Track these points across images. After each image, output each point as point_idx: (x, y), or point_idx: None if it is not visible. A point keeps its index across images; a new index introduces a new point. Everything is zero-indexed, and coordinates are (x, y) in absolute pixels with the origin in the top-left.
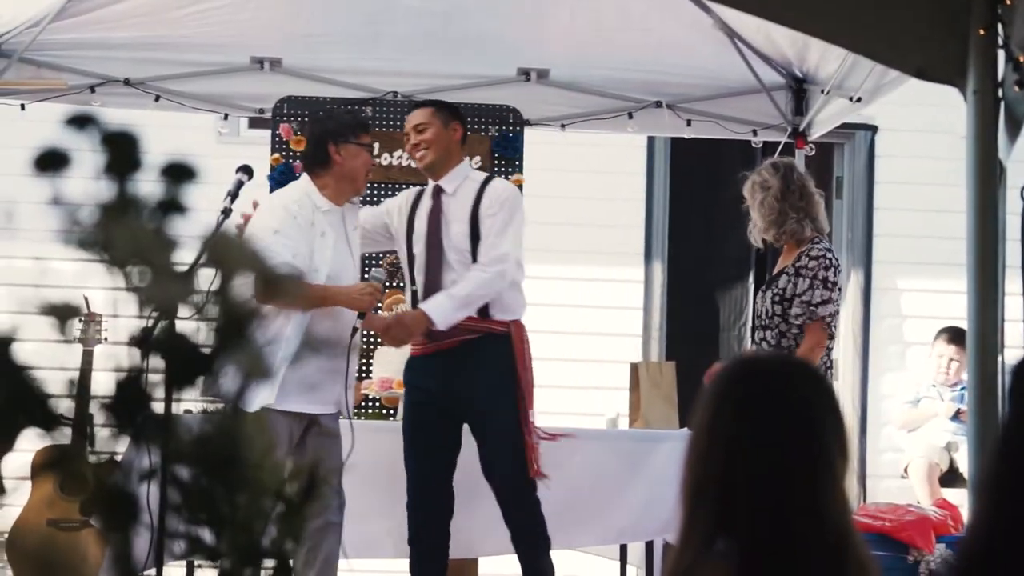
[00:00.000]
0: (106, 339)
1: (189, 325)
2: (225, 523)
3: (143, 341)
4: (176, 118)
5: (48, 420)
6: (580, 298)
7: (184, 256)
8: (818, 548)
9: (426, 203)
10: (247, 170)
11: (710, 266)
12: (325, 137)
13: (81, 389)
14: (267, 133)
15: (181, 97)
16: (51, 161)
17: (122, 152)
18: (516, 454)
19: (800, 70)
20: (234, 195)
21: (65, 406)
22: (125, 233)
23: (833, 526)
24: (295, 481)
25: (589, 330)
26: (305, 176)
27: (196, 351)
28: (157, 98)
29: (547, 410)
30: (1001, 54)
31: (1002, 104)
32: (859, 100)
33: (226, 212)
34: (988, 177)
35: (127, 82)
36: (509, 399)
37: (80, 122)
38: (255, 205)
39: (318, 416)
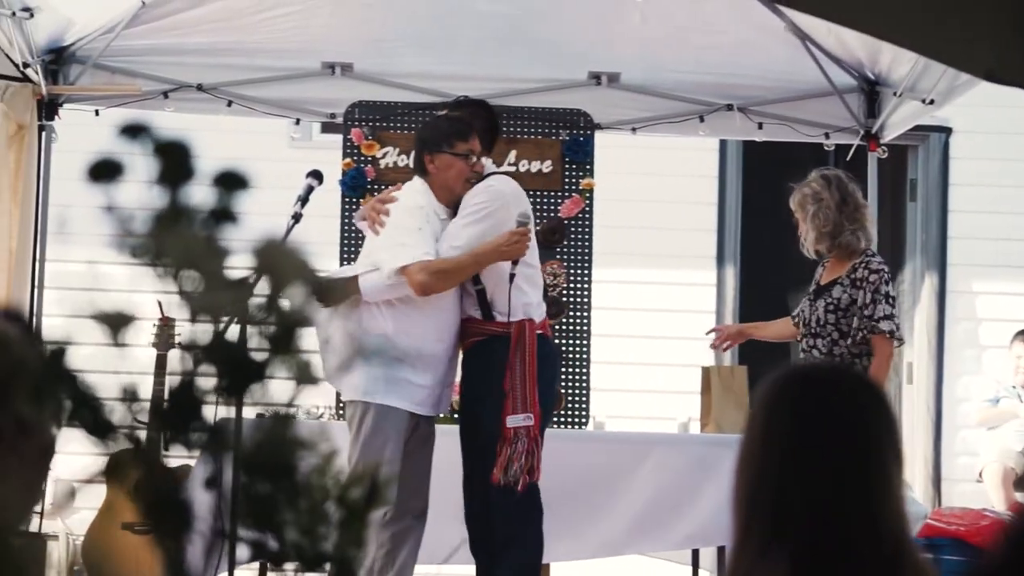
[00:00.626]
0: (180, 344)
1: (241, 333)
2: (288, 528)
3: (195, 348)
4: (249, 123)
5: (102, 428)
6: (652, 302)
7: (237, 264)
8: (874, 555)
9: None
10: (317, 175)
11: (782, 270)
12: (421, 147)
13: (155, 394)
14: (339, 138)
15: (253, 102)
16: (105, 170)
17: (175, 161)
18: (479, 455)
19: (872, 72)
20: (304, 200)
21: (121, 413)
22: (177, 242)
23: (889, 534)
24: (358, 486)
25: (661, 334)
26: (420, 180)
27: (248, 359)
28: (229, 103)
29: (618, 414)
30: None
31: None
32: (932, 102)
33: (296, 217)
34: None
35: (200, 87)
36: (485, 402)
37: (133, 131)
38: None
39: (421, 417)
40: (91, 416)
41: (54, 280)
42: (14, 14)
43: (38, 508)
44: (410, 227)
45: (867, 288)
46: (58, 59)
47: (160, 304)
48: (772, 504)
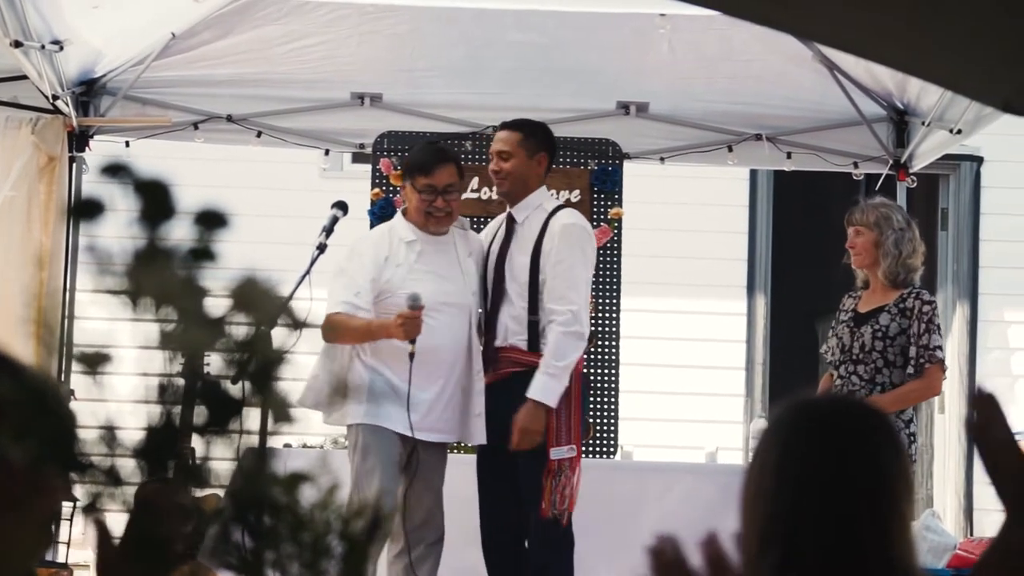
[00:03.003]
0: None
1: (218, 370)
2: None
3: (172, 387)
4: (280, 153)
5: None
6: (681, 331)
7: (215, 303)
8: None
9: (500, 232)
10: (342, 206)
11: (813, 299)
12: (403, 171)
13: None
14: (369, 168)
15: (282, 133)
16: (88, 209)
17: (155, 200)
18: (520, 486)
19: (901, 102)
20: (329, 231)
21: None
22: (155, 280)
23: (901, 567)
24: (359, 519)
25: (690, 363)
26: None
27: (225, 396)
28: (259, 134)
29: (648, 443)
30: None
31: None
32: (959, 132)
33: (321, 247)
34: None
35: (230, 118)
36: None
37: (113, 170)
38: None
39: (421, 442)
40: (71, 453)
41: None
42: (43, 47)
43: (51, 543)
44: (334, 274)
45: (921, 319)
46: (88, 91)
47: None
48: (785, 536)
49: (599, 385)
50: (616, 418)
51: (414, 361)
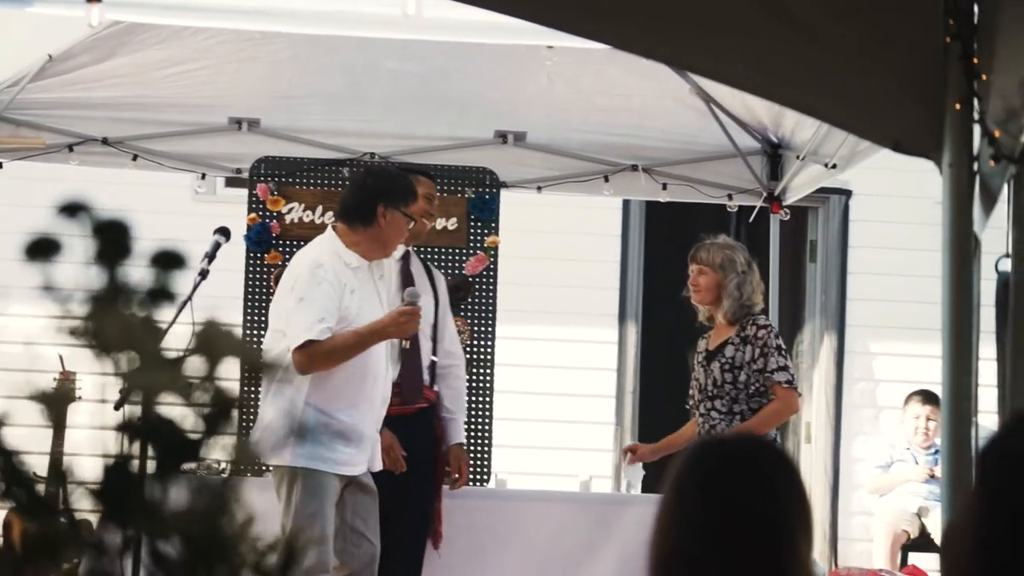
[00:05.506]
0: (80, 397)
1: (176, 411)
2: None
3: (129, 427)
4: (153, 176)
5: (35, 504)
6: (555, 359)
7: (172, 343)
8: None
9: (395, 267)
10: (225, 232)
11: (683, 328)
12: (377, 196)
13: (54, 450)
14: (243, 192)
15: (159, 156)
16: (42, 248)
17: (113, 240)
18: (414, 519)
19: (775, 135)
20: (211, 257)
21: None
22: (114, 321)
23: None
24: (275, 553)
25: (563, 391)
26: (330, 232)
27: (182, 437)
28: (135, 157)
29: (520, 471)
30: (977, 128)
31: (977, 178)
32: (834, 166)
33: (203, 273)
34: (963, 250)
35: (105, 141)
36: (428, 468)
37: (72, 210)
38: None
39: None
40: (25, 494)
41: None
42: None
43: None
44: (289, 308)
45: (756, 344)
46: None
47: (61, 358)
48: (685, 571)
49: (473, 412)
50: (490, 445)
51: (355, 390)
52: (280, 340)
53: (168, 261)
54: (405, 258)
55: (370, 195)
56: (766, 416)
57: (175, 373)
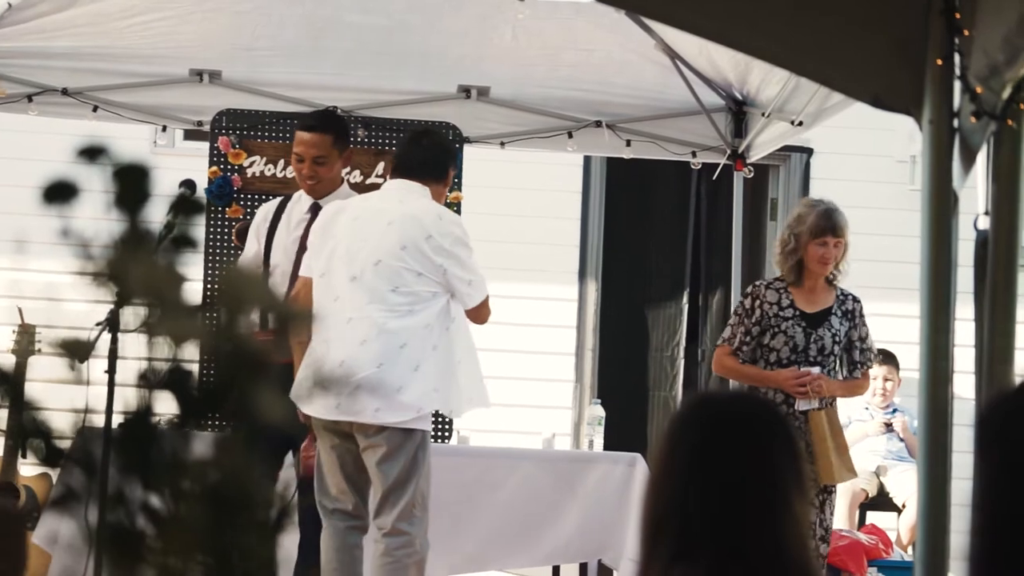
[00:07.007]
0: (39, 350)
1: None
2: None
3: (151, 377)
4: (111, 128)
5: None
6: (515, 316)
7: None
8: None
9: (298, 216)
10: (190, 184)
11: (643, 286)
12: (447, 157)
13: (14, 402)
14: (203, 145)
15: (119, 108)
16: (60, 192)
17: (132, 185)
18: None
19: (740, 92)
20: None
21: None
22: (137, 268)
23: (791, 561)
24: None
25: (523, 348)
26: (416, 185)
27: (205, 387)
28: (95, 108)
29: (483, 428)
30: (958, 84)
31: (957, 134)
32: (800, 124)
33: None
34: (943, 206)
35: (65, 92)
36: None
37: (91, 153)
38: None
39: None
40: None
41: None
42: None
43: None
44: (473, 262)
45: (861, 323)
46: None
47: (20, 311)
48: (677, 528)
49: None
50: None
51: None
52: (470, 286)
53: (187, 207)
54: (313, 210)
55: (447, 155)
56: (853, 386)
57: (197, 322)
